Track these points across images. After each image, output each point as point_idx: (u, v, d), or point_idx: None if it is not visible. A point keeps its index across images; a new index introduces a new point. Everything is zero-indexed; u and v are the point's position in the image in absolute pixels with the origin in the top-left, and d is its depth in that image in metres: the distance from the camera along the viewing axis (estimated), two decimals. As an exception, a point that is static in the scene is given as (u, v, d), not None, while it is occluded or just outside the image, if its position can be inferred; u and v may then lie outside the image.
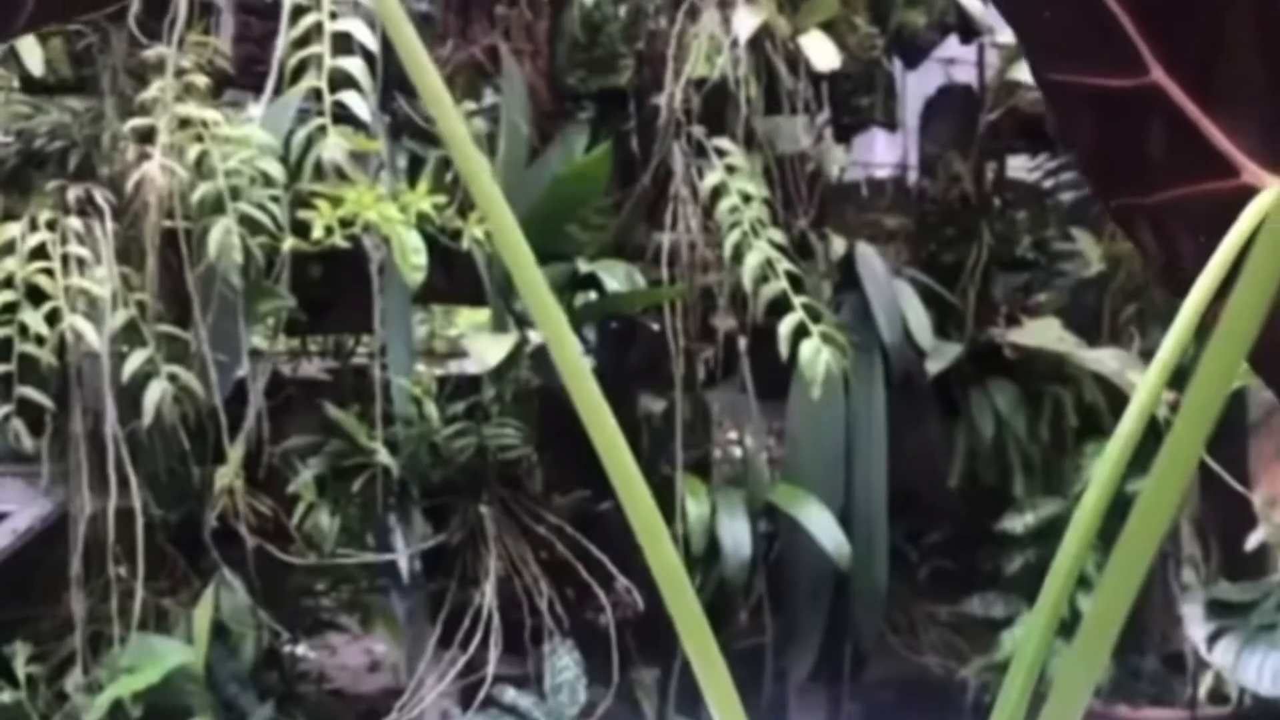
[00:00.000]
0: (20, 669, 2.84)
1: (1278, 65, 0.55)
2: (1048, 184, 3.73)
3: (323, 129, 2.75)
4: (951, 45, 3.59)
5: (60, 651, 2.88)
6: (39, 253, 2.77)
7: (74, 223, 2.82)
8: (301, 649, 3.49)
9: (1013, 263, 3.57)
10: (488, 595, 2.98)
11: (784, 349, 3.02)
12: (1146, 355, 3.42)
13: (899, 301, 3.40)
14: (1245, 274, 0.50)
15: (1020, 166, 3.76)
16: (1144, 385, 0.71)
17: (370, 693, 3.82)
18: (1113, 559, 0.56)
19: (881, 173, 3.69)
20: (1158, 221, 0.67)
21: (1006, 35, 3.29)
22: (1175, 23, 0.61)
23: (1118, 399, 3.18)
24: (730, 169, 3.15)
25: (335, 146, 2.75)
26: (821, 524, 3.16)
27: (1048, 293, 3.56)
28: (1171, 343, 0.65)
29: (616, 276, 3.16)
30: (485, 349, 2.88)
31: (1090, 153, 0.70)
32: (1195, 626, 2.90)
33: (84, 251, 2.79)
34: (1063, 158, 3.62)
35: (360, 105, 2.77)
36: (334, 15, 2.83)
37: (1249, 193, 0.60)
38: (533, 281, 0.56)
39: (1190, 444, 0.54)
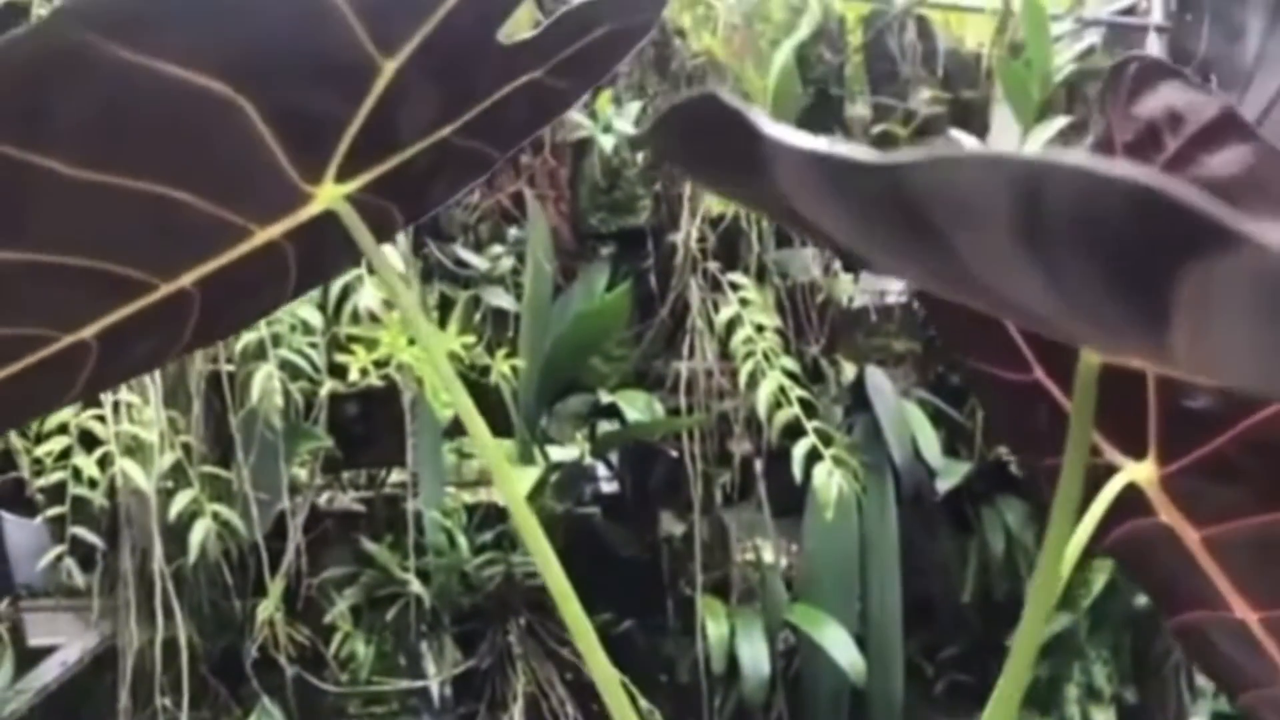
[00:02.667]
0: (70, 797, 2.99)
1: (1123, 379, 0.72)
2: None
3: (360, 279, 2.94)
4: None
5: (108, 779, 3.03)
6: (91, 400, 2.96)
7: (124, 369, 3.01)
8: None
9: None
10: (516, 717, 3.12)
11: (798, 472, 3.18)
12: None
13: (909, 422, 3.56)
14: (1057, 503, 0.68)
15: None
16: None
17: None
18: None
19: (890, 299, 3.86)
20: (1050, 477, 0.84)
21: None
22: (1048, 340, 0.79)
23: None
24: (744, 302, 3.33)
25: (371, 296, 2.94)
26: (837, 642, 3.29)
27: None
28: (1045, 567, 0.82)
29: (636, 406, 3.33)
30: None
31: (1000, 422, 0.88)
32: (1203, 739, 3.01)
33: (134, 398, 2.97)
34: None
35: (394, 255, 2.97)
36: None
37: (1110, 469, 0.77)
38: (488, 445, 0.74)
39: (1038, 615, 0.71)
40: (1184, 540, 0.79)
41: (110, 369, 0.69)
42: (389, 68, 0.61)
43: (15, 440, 2.93)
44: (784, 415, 3.24)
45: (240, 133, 0.58)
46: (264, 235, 0.65)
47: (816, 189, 0.35)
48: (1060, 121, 3.51)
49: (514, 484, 0.80)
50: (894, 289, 3.93)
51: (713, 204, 3.47)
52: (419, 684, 3.13)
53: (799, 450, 3.19)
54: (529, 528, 0.76)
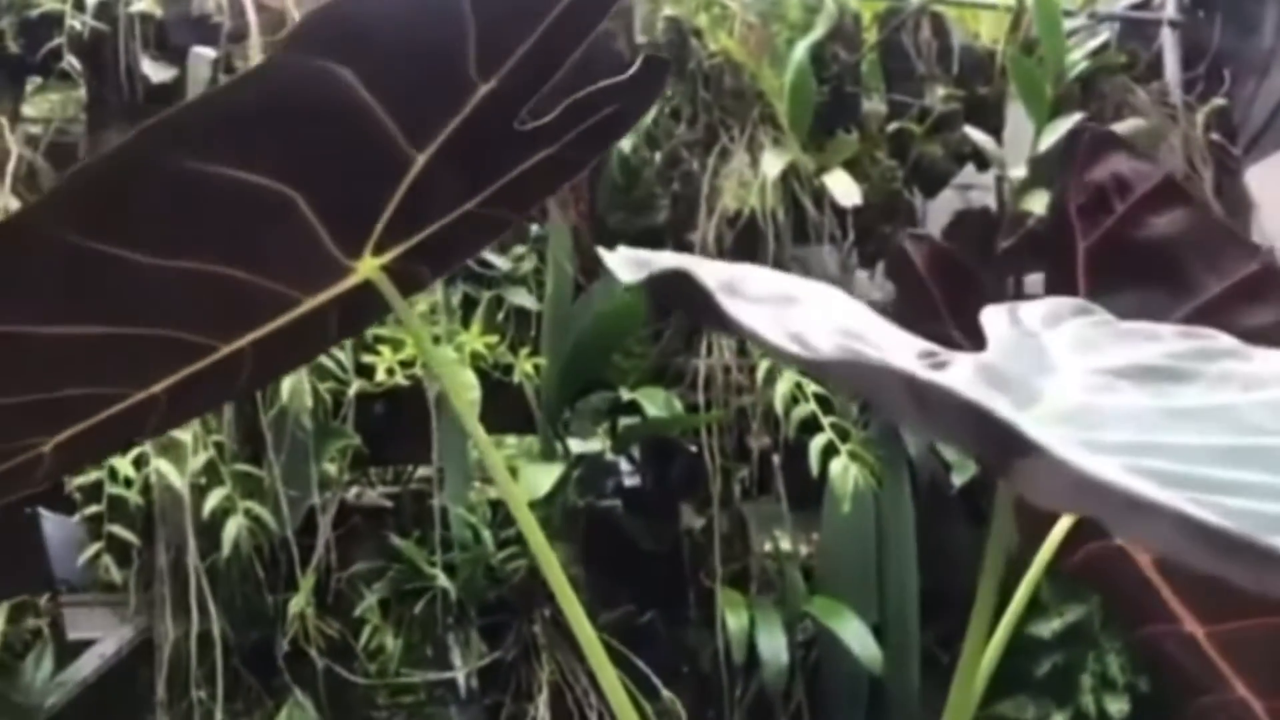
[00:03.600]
0: (110, 787, 3.11)
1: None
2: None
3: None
4: (968, 172, 3.85)
5: (146, 769, 3.15)
6: (126, 400, 3.07)
7: (157, 371, 3.12)
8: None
9: (1034, 376, 3.79)
10: (541, 708, 3.22)
11: (815, 467, 3.26)
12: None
13: (925, 417, 3.63)
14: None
15: (1037, 282, 4.00)
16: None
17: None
18: None
19: (906, 294, 3.93)
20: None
21: (1019, 170, 3.56)
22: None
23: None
24: (760, 300, 3.41)
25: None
26: (855, 632, 3.38)
27: (1068, 404, 3.77)
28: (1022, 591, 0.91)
29: (656, 403, 3.42)
30: (536, 478, 3.14)
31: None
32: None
33: (167, 398, 3.08)
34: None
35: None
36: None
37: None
38: (488, 449, 0.83)
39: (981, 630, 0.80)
40: (1138, 562, 0.87)
41: (175, 416, 0.79)
42: (420, 159, 0.70)
43: (53, 440, 3.04)
44: (801, 411, 3.32)
45: (291, 221, 0.68)
46: (311, 303, 0.74)
47: (772, 352, 0.44)
48: (1074, 118, 3.58)
49: (514, 487, 0.89)
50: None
51: (730, 203, 3.55)
52: (446, 675, 3.23)
53: (816, 444, 3.28)
54: (530, 527, 0.85)
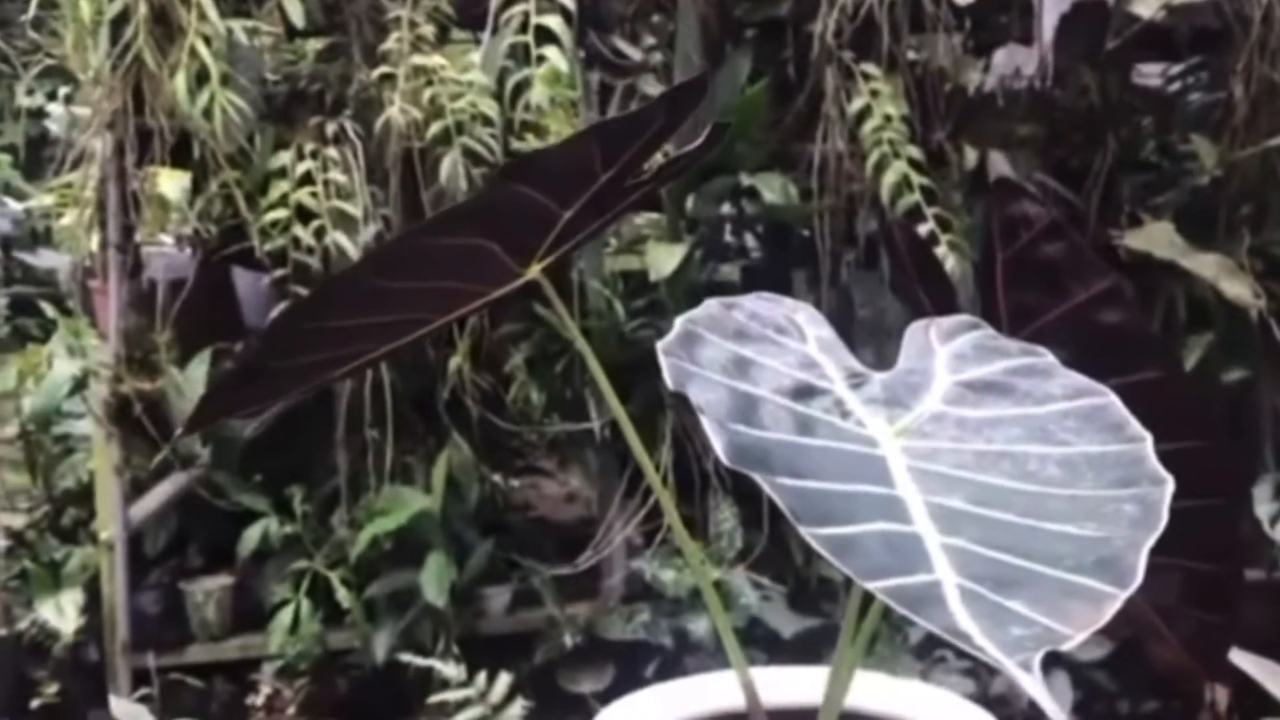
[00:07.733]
0: (297, 506, 3.80)
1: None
2: (1173, 88, 4.26)
3: (529, 81, 3.49)
4: (1088, -36, 4.10)
5: (327, 494, 3.83)
6: (305, 179, 3.59)
7: (331, 152, 3.63)
8: (514, 483, 4.41)
9: (1137, 166, 4.14)
10: (664, 456, 3.80)
11: (916, 254, 3.70)
12: (1254, 252, 4.00)
13: (1027, 202, 4.02)
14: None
15: (1149, 73, 4.29)
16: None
17: (568, 521, 4.76)
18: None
19: (1018, 83, 4.25)
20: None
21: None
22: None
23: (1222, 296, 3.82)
24: (874, 93, 3.79)
25: (541, 94, 3.49)
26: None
27: (1169, 193, 4.12)
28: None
29: (773, 188, 3.86)
30: (661, 259, 3.64)
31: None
32: (1262, 505, 3.56)
33: (341, 177, 3.60)
34: (1188, 63, 4.16)
35: (560, 59, 3.49)
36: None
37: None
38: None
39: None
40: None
41: (405, 353, 1.31)
42: (565, 215, 1.19)
43: (245, 213, 3.59)
44: (907, 200, 3.74)
45: (490, 256, 1.18)
46: (496, 293, 1.25)
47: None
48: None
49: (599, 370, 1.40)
50: (1027, 71, 4.31)
51: (852, -3, 3.87)
52: (583, 426, 3.82)
53: (919, 232, 3.70)
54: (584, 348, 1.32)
